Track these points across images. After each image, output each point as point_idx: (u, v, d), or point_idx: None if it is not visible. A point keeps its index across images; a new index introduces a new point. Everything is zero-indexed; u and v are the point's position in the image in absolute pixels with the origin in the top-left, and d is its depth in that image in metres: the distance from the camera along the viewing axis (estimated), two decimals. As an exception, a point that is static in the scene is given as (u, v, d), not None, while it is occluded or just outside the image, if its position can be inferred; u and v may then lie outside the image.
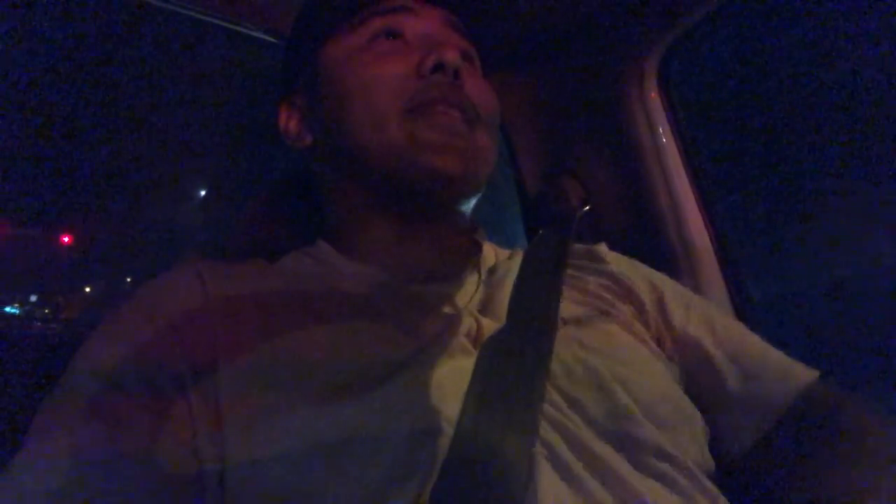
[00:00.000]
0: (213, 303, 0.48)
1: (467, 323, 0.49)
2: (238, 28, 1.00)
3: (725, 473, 0.52)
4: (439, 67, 0.55)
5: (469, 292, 0.57)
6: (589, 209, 0.98)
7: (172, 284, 0.51)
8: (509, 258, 0.64)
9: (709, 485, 0.45)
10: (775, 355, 0.59)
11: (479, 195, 0.62)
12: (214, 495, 0.40)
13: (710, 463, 0.49)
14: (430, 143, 0.53)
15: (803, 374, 0.56)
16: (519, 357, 0.46)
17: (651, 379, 0.50)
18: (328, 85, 0.60)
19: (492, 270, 0.61)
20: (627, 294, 0.60)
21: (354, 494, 0.38)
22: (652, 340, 0.57)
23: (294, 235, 0.66)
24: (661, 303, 0.61)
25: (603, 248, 0.67)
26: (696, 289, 0.86)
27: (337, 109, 0.58)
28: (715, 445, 0.53)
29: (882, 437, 0.52)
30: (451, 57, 0.55)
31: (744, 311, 0.89)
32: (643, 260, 0.71)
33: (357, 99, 0.56)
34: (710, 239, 0.91)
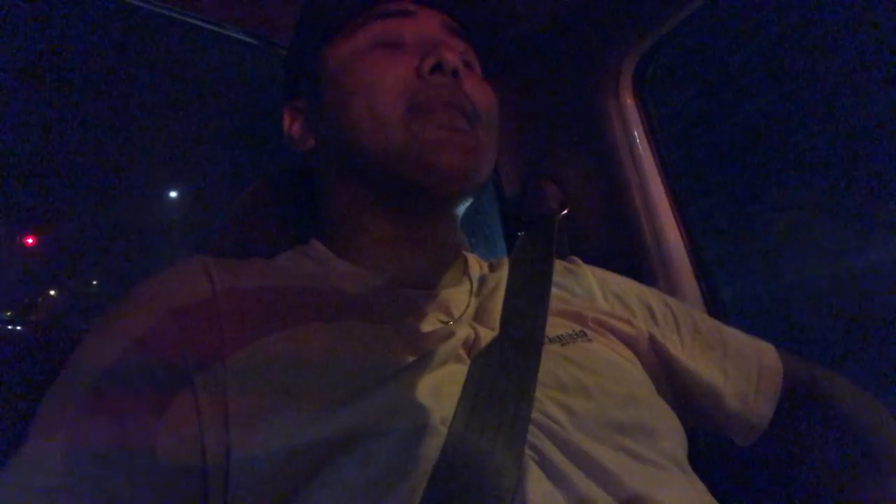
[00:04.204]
0: (220, 298, 0.48)
1: (465, 332, 0.51)
2: (219, 30, 0.99)
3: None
4: (438, 68, 0.56)
5: (462, 301, 0.58)
6: (566, 212, 0.99)
7: (180, 278, 0.51)
8: (492, 268, 0.67)
9: (695, 478, 0.48)
10: (752, 348, 0.66)
11: (476, 195, 0.63)
12: (217, 490, 0.39)
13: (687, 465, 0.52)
14: (433, 141, 0.54)
15: (774, 357, 0.65)
16: (509, 367, 0.48)
17: (633, 389, 0.53)
18: (330, 88, 0.60)
19: (482, 280, 0.63)
20: (609, 315, 0.62)
21: (350, 492, 0.38)
22: (634, 355, 0.60)
23: (286, 234, 0.66)
24: (651, 326, 0.64)
25: (583, 266, 0.71)
26: (670, 291, 0.88)
27: (339, 111, 0.58)
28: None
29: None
30: (450, 57, 0.56)
31: (716, 312, 0.91)
32: (619, 262, 0.73)
33: (358, 100, 0.56)
34: (684, 242, 0.93)
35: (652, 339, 0.62)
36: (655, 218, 0.94)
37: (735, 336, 0.67)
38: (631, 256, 0.93)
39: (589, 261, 0.73)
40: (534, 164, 1.07)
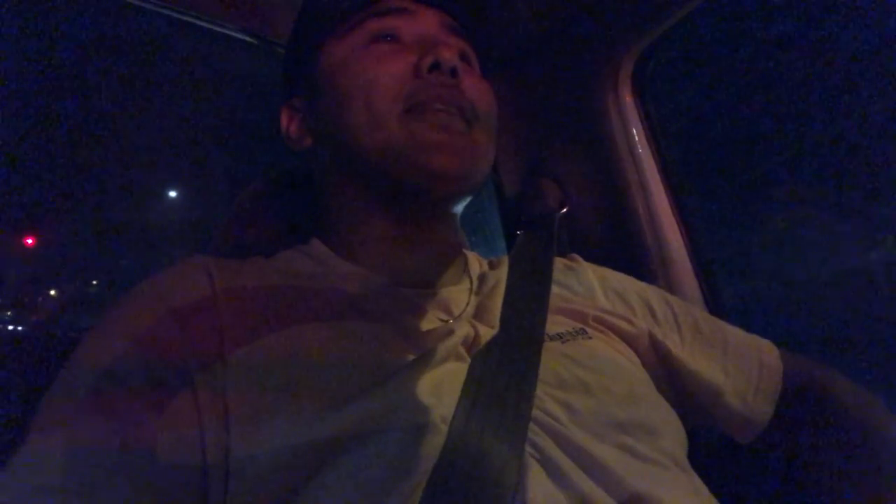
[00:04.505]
0: (220, 298, 0.48)
1: (465, 330, 0.51)
2: (218, 28, 0.99)
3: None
4: (436, 66, 0.56)
5: (462, 300, 0.58)
6: (566, 211, 0.99)
7: (180, 278, 0.51)
8: (492, 266, 0.67)
9: (695, 477, 0.49)
10: (752, 346, 0.65)
11: (475, 194, 0.63)
12: (218, 490, 0.39)
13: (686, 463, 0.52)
14: (429, 143, 0.54)
15: (775, 355, 0.65)
16: (510, 365, 0.48)
17: (633, 387, 0.53)
18: (327, 87, 0.60)
19: (482, 279, 0.63)
20: (609, 313, 0.62)
21: (351, 491, 0.39)
22: (634, 353, 0.60)
23: (287, 233, 0.66)
24: (651, 324, 0.64)
25: (583, 263, 0.70)
26: (670, 289, 0.88)
27: (336, 111, 0.58)
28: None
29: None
30: (448, 56, 0.56)
31: (716, 309, 0.91)
32: (619, 260, 0.73)
33: (356, 100, 0.56)
34: (684, 240, 0.93)
35: (652, 338, 0.62)
36: (655, 216, 0.94)
37: (735, 334, 0.66)
38: (631, 254, 0.93)
39: (589, 259, 0.73)
40: (533, 163, 1.07)
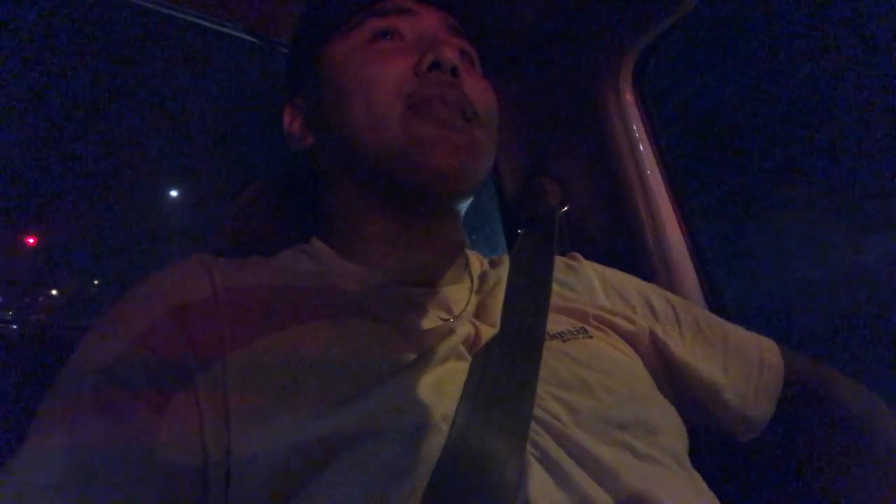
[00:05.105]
0: (221, 297, 0.48)
1: (465, 329, 0.50)
2: (221, 28, 0.99)
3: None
4: (437, 65, 0.56)
5: (463, 299, 0.58)
6: (567, 209, 0.99)
7: (181, 277, 0.51)
8: (493, 265, 0.67)
9: (696, 476, 0.48)
10: (753, 345, 0.65)
11: (476, 194, 0.62)
12: (218, 488, 0.39)
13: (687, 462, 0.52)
14: (429, 140, 0.54)
15: (776, 353, 0.65)
16: (511, 364, 0.48)
17: (634, 386, 0.53)
18: (328, 85, 0.60)
19: (482, 277, 0.63)
20: (610, 311, 0.62)
21: (352, 491, 0.38)
22: (634, 351, 0.60)
23: (287, 232, 0.66)
24: (652, 322, 0.64)
25: (584, 262, 0.70)
26: (671, 287, 0.88)
27: (337, 108, 0.58)
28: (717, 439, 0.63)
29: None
30: (449, 55, 0.56)
31: (717, 308, 0.91)
32: (620, 259, 0.73)
33: (356, 97, 0.56)
34: (685, 238, 0.93)
35: (653, 336, 0.62)
36: (656, 214, 0.93)
37: (736, 332, 0.66)
38: (631, 253, 0.93)
39: (590, 257, 0.73)
40: (534, 162, 1.07)
